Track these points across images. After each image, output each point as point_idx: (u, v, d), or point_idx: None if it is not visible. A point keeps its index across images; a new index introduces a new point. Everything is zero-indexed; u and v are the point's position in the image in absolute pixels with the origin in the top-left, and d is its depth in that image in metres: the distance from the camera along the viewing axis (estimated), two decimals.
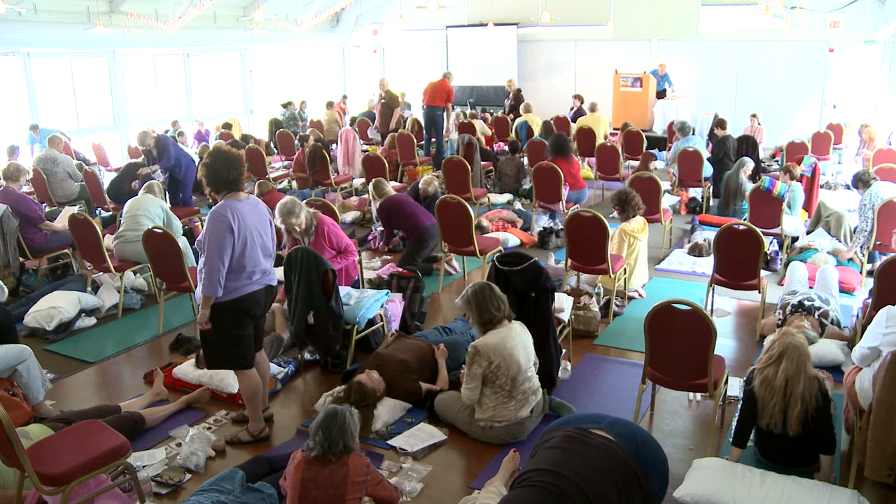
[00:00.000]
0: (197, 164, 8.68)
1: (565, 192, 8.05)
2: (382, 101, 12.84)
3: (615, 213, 6.27)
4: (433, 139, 11.69)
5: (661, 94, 14.21)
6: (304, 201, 6.63)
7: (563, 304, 4.96)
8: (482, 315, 3.87)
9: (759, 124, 11.54)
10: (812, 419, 3.43)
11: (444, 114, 11.58)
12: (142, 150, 8.57)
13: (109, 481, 3.40)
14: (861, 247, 6.53)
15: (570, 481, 2.57)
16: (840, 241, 6.96)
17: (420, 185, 8.08)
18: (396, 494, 3.33)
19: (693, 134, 9.61)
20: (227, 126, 13.80)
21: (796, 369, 3.41)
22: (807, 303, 5.05)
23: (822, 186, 8.88)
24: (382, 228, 7.47)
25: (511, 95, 14.54)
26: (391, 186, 9.11)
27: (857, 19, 12.68)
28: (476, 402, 3.98)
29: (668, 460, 2.98)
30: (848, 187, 9.08)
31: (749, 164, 8.41)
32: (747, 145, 9.46)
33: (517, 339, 3.87)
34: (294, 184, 10.64)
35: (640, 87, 14.27)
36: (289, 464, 3.18)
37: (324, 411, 3.19)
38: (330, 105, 14.67)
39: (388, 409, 4.23)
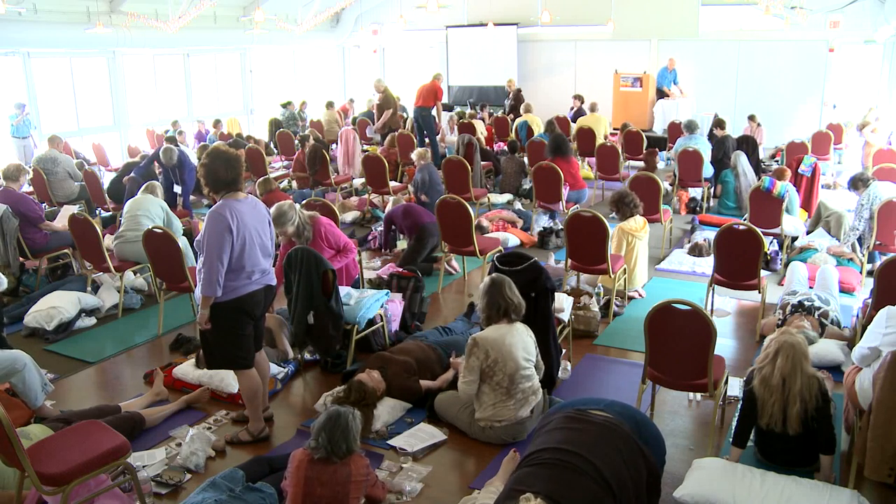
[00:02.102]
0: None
1: (565, 192, 8.05)
2: (378, 102, 12.89)
3: (614, 214, 6.27)
4: (426, 140, 11.70)
5: (661, 94, 14.19)
6: (304, 201, 6.65)
7: (563, 304, 4.96)
8: (482, 302, 3.92)
9: (757, 125, 11.49)
10: (812, 419, 3.43)
11: (434, 112, 11.61)
12: (164, 165, 8.53)
13: (109, 481, 3.40)
14: (861, 246, 6.53)
15: (579, 456, 2.57)
16: (840, 242, 6.96)
17: (414, 158, 8.17)
18: (383, 494, 3.40)
19: (699, 133, 9.62)
20: (217, 123, 13.80)
21: (792, 367, 3.42)
22: (807, 303, 5.06)
23: (823, 187, 8.90)
24: (383, 231, 7.47)
25: (511, 95, 14.53)
26: (392, 187, 9.20)
27: (857, 19, 12.68)
28: (474, 399, 3.97)
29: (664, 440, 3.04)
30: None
31: (742, 155, 8.56)
32: (747, 145, 9.47)
33: (517, 337, 3.88)
34: (294, 184, 10.64)
35: (640, 87, 14.28)
36: (289, 463, 3.20)
37: (326, 413, 3.21)
38: (330, 105, 14.66)
39: (388, 409, 4.23)
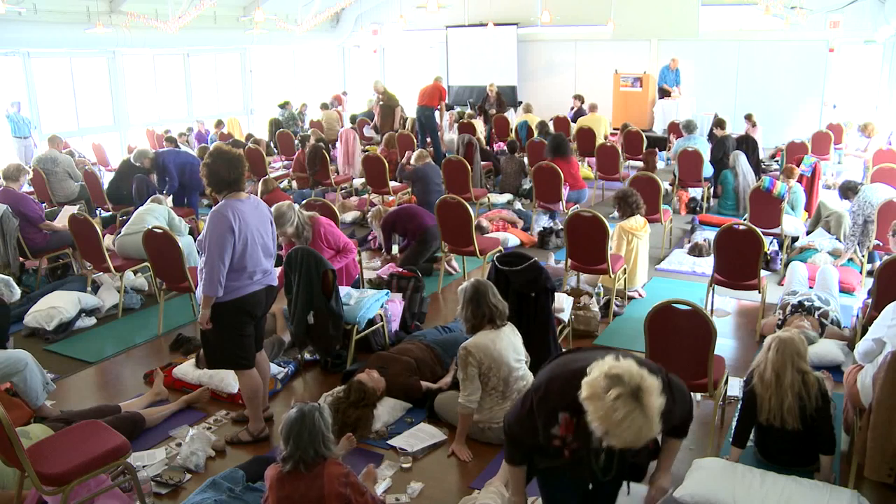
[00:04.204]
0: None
1: (565, 192, 8.06)
2: (381, 103, 12.87)
3: (615, 213, 6.27)
4: (428, 139, 11.69)
5: (662, 92, 14.16)
6: (305, 201, 6.65)
7: (563, 304, 4.96)
8: (467, 311, 3.83)
9: (752, 126, 11.44)
10: (811, 418, 3.44)
11: (438, 113, 11.60)
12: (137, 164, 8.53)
13: (109, 481, 3.40)
14: (860, 247, 6.53)
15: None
16: (840, 241, 6.96)
17: (413, 162, 8.14)
18: None
19: (697, 133, 9.62)
20: (219, 124, 13.82)
21: (782, 361, 3.44)
22: (807, 303, 5.06)
23: (824, 187, 8.91)
24: (383, 240, 7.41)
25: (492, 100, 14.22)
26: (392, 187, 9.20)
27: (857, 19, 12.68)
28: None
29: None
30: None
31: (741, 155, 8.60)
32: (747, 145, 9.46)
33: (506, 340, 3.86)
34: (294, 184, 10.64)
35: (640, 87, 14.28)
36: (265, 481, 2.94)
37: (289, 415, 2.85)
38: (325, 106, 14.64)
39: (388, 409, 4.24)
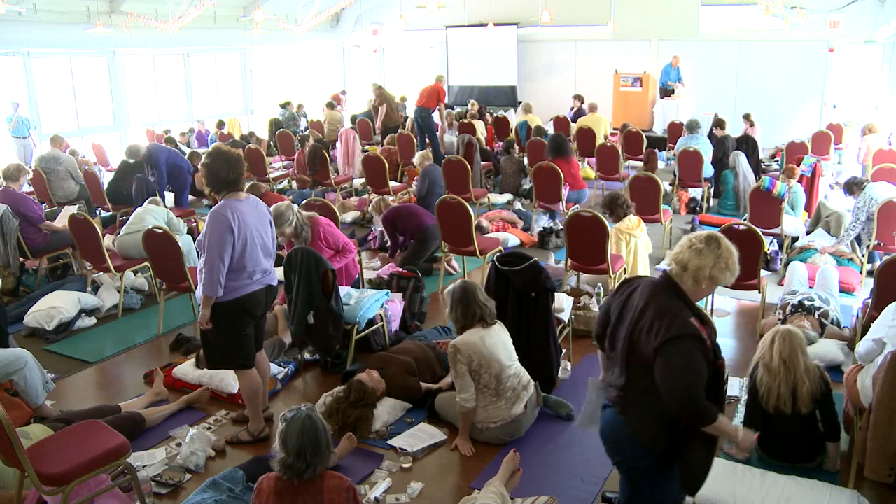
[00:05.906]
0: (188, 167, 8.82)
1: (565, 192, 8.05)
2: (375, 104, 12.95)
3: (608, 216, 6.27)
4: (427, 140, 11.68)
5: (664, 92, 14.14)
6: (304, 202, 6.65)
7: (563, 304, 4.96)
8: (456, 312, 3.86)
9: (751, 125, 11.43)
10: (818, 402, 3.51)
11: (436, 114, 11.58)
12: (131, 161, 8.60)
13: (109, 481, 3.40)
14: (860, 246, 6.53)
15: None
16: (836, 241, 6.96)
17: (416, 162, 8.12)
18: None
19: (700, 133, 9.62)
20: (221, 124, 13.82)
21: (791, 349, 3.50)
22: (807, 303, 5.05)
23: (829, 187, 8.90)
24: (389, 241, 7.38)
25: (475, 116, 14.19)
26: (392, 187, 9.20)
27: (857, 19, 12.68)
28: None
29: None
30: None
31: (741, 155, 8.60)
32: (747, 145, 9.46)
33: (496, 337, 3.87)
34: (294, 184, 10.64)
35: (640, 87, 14.28)
36: (253, 496, 2.78)
37: (298, 425, 2.67)
38: (333, 105, 14.65)
39: (388, 409, 4.23)
